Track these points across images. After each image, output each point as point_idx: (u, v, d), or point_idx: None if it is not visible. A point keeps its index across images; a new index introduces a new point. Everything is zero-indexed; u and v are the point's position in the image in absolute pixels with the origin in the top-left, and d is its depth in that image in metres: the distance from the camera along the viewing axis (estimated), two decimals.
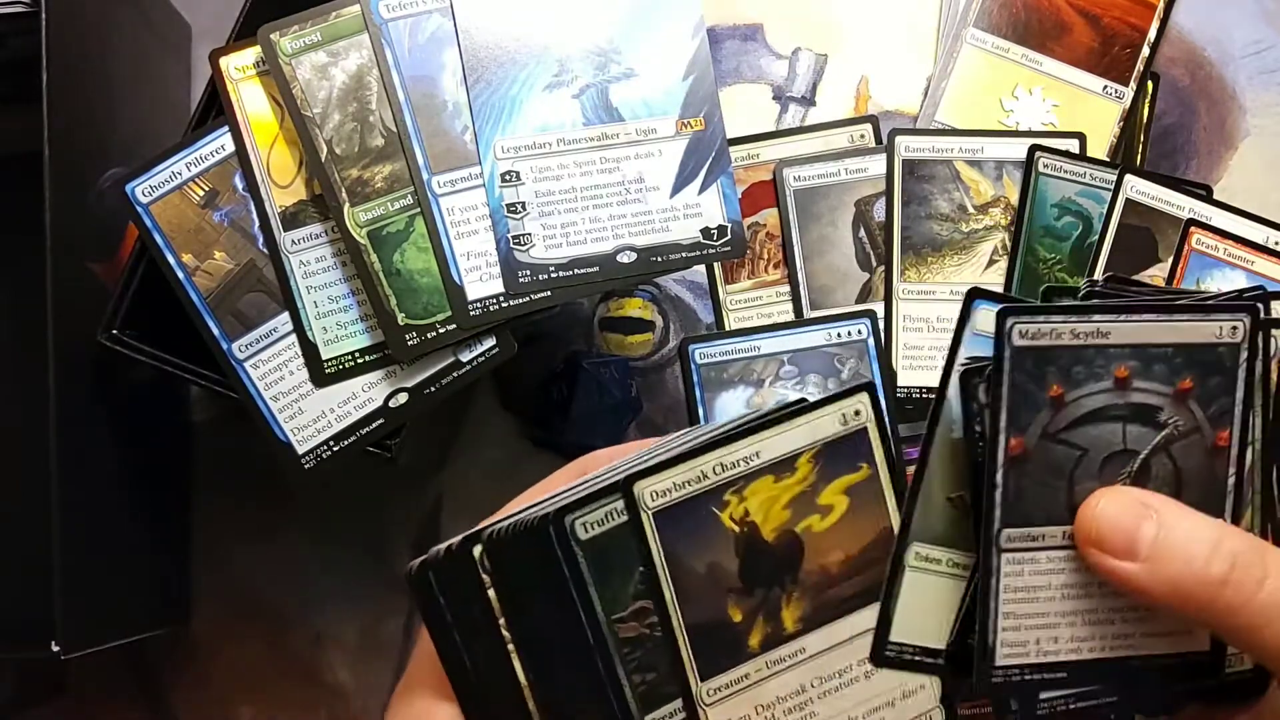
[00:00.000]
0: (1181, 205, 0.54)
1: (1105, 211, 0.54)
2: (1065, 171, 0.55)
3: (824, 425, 0.35)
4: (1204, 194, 0.54)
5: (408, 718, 0.36)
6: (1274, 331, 0.34)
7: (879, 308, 0.55)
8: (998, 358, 0.32)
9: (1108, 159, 0.57)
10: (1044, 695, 0.33)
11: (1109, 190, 0.54)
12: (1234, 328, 0.33)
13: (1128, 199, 0.54)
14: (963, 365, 0.33)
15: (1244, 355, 0.33)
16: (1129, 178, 0.54)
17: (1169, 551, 0.31)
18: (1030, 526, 0.32)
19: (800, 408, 0.35)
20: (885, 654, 0.33)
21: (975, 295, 0.33)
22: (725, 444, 0.34)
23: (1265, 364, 0.34)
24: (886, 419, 0.36)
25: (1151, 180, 0.54)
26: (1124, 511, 0.31)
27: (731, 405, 0.53)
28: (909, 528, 0.33)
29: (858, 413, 0.36)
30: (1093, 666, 0.33)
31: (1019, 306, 0.32)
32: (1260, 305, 0.33)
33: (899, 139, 0.56)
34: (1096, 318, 0.32)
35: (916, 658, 0.33)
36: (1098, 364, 0.32)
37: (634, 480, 0.33)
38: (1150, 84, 0.59)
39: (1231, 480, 0.33)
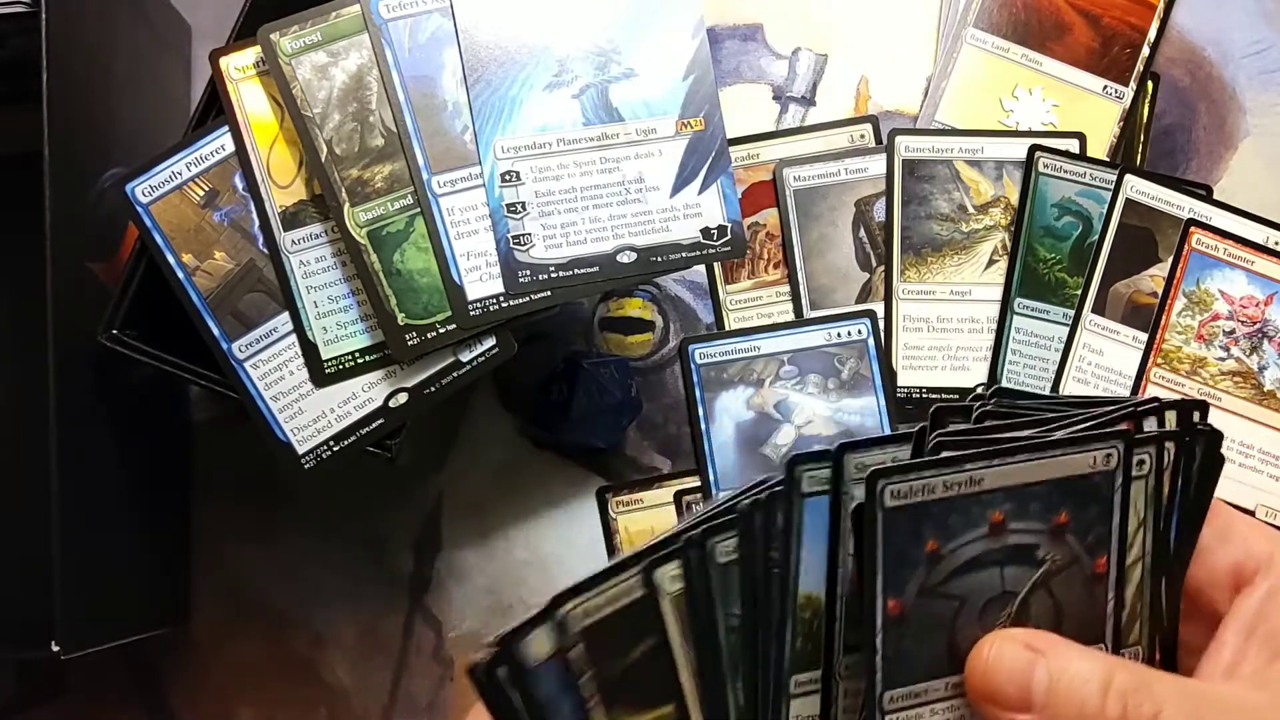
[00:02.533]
0: (1181, 205, 0.54)
1: (1105, 211, 0.54)
2: (1065, 171, 0.55)
3: None
4: (1204, 194, 0.54)
5: None
6: (1166, 444, 0.33)
7: (879, 308, 0.55)
8: (870, 520, 0.31)
9: (1108, 159, 0.57)
10: None
11: (1109, 190, 0.54)
12: (1108, 456, 0.32)
13: (1128, 199, 0.54)
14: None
15: (1119, 481, 0.32)
16: (1129, 178, 0.54)
17: (1062, 699, 0.30)
18: (913, 684, 0.32)
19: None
20: None
21: (845, 449, 0.32)
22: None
23: (1158, 479, 0.33)
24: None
25: (1151, 180, 0.54)
26: (1014, 660, 0.31)
27: (731, 405, 0.53)
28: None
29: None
30: None
31: (889, 468, 0.30)
32: (1136, 427, 0.33)
33: (899, 139, 0.56)
34: (968, 467, 0.31)
35: None
36: (973, 512, 0.31)
37: (560, 602, 0.31)
38: (1150, 84, 0.59)
39: (1111, 604, 0.33)
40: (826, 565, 0.32)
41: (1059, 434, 0.32)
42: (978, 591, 0.32)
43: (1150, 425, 0.33)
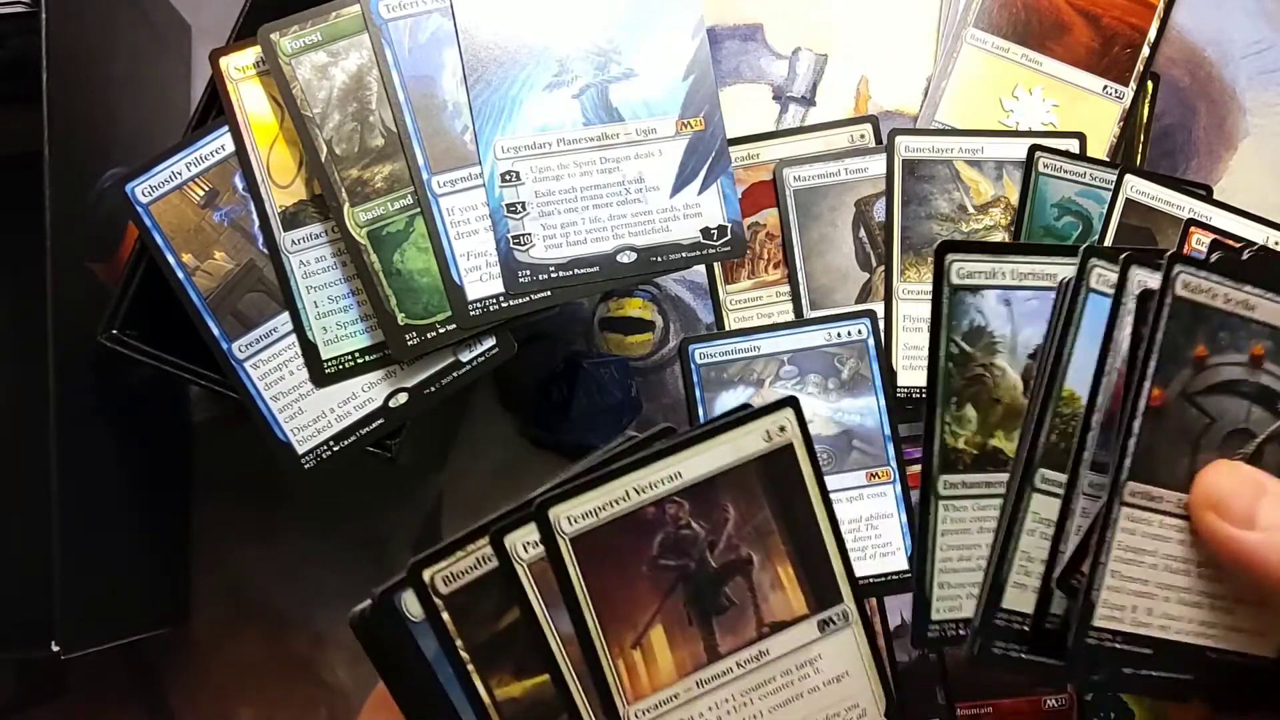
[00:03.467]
0: (1181, 205, 0.54)
1: (1105, 211, 0.54)
2: (1065, 171, 0.55)
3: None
4: (1204, 194, 0.54)
5: None
6: None
7: (879, 308, 0.55)
8: (1159, 304, 0.32)
9: (1108, 159, 0.57)
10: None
11: (1109, 190, 0.54)
12: None
13: (1128, 199, 0.54)
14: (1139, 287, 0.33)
15: None
16: (1129, 178, 0.54)
17: None
18: (1152, 484, 0.32)
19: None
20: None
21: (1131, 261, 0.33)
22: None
23: None
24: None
25: (1151, 180, 0.54)
26: (1243, 483, 0.31)
27: (731, 405, 0.53)
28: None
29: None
30: (1175, 650, 0.33)
31: (1186, 257, 0.32)
32: None
33: (899, 139, 0.56)
34: (1248, 288, 0.33)
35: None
36: (1240, 335, 0.33)
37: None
38: (1150, 84, 0.59)
39: None
40: (1095, 363, 0.33)
41: None
42: (1225, 416, 0.33)
43: None
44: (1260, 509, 0.31)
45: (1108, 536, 0.32)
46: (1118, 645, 0.33)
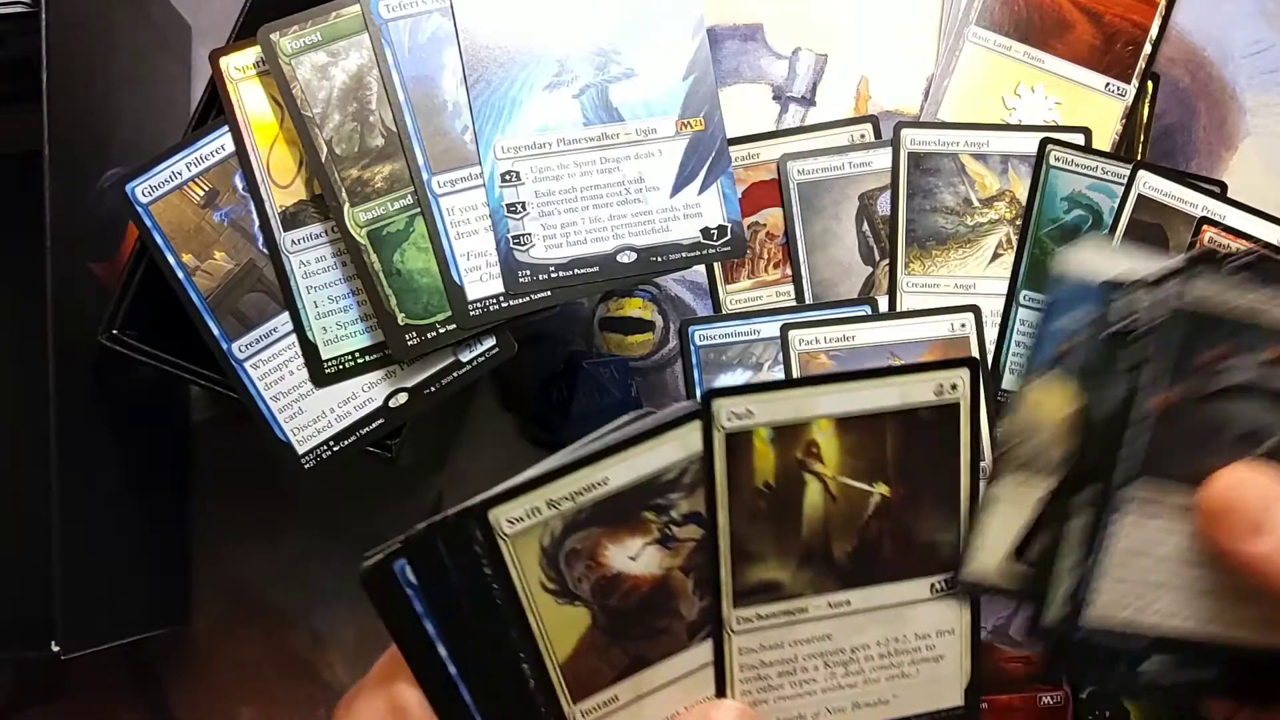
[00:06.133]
0: (1194, 203, 0.54)
1: (1116, 206, 0.54)
2: (1076, 165, 0.55)
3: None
4: (1217, 192, 0.54)
5: (380, 709, 0.35)
6: None
7: (883, 302, 0.55)
8: (1176, 310, 0.32)
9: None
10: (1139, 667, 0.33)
11: (1120, 185, 0.54)
12: None
13: (1140, 195, 0.54)
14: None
15: None
16: (1142, 173, 0.54)
17: None
18: (1161, 478, 0.32)
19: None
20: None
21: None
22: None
23: None
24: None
25: (1165, 176, 0.54)
26: (1259, 490, 0.31)
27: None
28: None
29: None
30: (1185, 643, 0.33)
31: (1210, 254, 0.33)
32: None
33: (905, 132, 0.56)
34: (1267, 292, 0.32)
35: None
36: (1256, 339, 0.33)
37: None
38: (1150, 84, 0.59)
39: None
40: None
41: None
42: (1238, 420, 0.33)
43: None
44: (1273, 513, 0.30)
45: (1108, 532, 0.32)
46: (1119, 642, 0.33)
